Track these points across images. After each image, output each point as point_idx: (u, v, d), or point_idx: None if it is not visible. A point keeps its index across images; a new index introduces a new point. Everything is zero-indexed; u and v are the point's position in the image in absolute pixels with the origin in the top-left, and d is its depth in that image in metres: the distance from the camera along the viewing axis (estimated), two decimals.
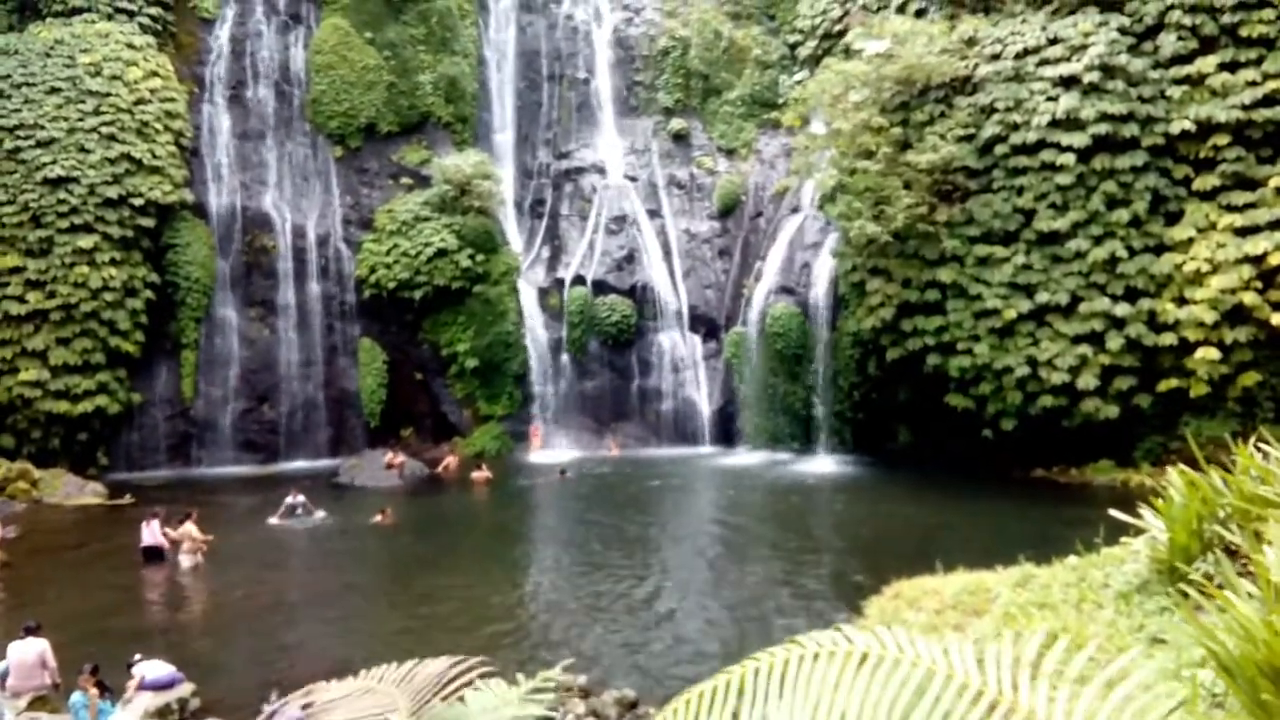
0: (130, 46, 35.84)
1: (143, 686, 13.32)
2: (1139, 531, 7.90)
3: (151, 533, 22.46)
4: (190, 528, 22.58)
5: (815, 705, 2.89)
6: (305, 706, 4.12)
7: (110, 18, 36.40)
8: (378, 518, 26.07)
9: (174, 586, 21.24)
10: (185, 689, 13.70)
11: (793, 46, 42.25)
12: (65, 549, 24.27)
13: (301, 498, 26.83)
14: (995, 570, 9.24)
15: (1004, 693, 2.86)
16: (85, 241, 33.28)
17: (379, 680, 4.18)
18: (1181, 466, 7.53)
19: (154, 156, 34.90)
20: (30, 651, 13.30)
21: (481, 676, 4.12)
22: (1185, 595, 5.45)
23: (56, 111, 34.00)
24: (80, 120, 34.12)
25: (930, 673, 2.95)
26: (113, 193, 33.80)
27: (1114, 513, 8.23)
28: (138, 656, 13.64)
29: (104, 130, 34.23)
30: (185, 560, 22.25)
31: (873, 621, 9.23)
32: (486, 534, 26.68)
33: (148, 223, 34.78)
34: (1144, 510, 7.83)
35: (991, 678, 2.91)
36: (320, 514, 26.78)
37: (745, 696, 3.08)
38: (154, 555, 22.29)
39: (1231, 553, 6.77)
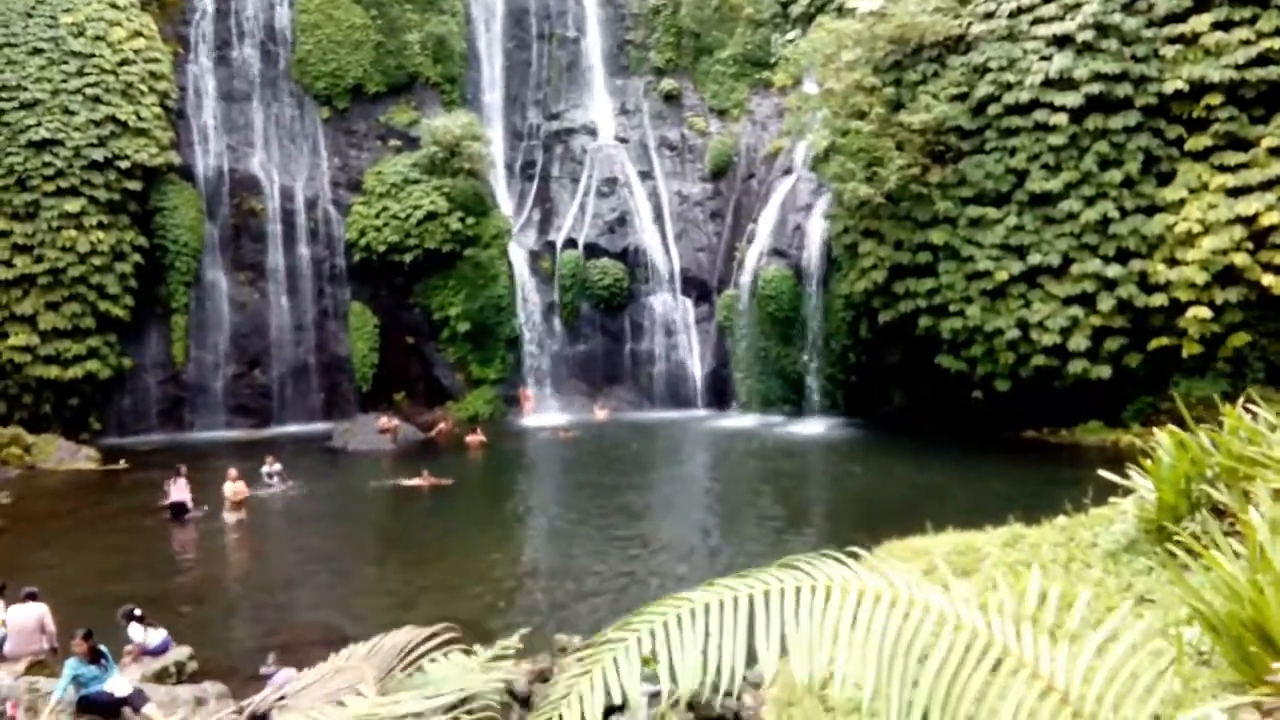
0: (113, 6, 35.26)
1: (140, 653, 13.45)
2: (1127, 491, 7.97)
3: (178, 489, 23.10)
4: (240, 485, 23.70)
5: (834, 638, 2.95)
6: (280, 699, 4.21)
7: None
8: (417, 480, 25.99)
9: (177, 548, 21.35)
10: (182, 652, 13.83)
11: (785, 4, 41.73)
12: (60, 514, 24.32)
13: (278, 465, 26.44)
14: (985, 530, 9.32)
15: (1009, 646, 2.91)
16: (72, 205, 32.98)
17: (348, 658, 4.24)
18: (1170, 427, 7.58)
19: (139, 118, 34.50)
20: (29, 616, 13.38)
21: (445, 644, 4.18)
22: (1172, 555, 5.52)
23: (40, 73, 33.53)
24: (64, 82, 33.67)
25: (941, 619, 3.00)
26: (98, 155, 33.44)
27: (1103, 473, 8.30)
28: (137, 611, 13.72)
29: (88, 92, 33.79)
30: (229, 517, 23.10)
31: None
32: (483, 497, 26.80)
33: (134, 186, 34.45)
34: (1132, 470, 7.90)
35: (997, 630, 2.97)
36: (290, 483, 26.17)
37: (757, 617, 3.09)
38: (180, 511, 22.99)
39: (1219, 512, 6.84)
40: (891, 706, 2.82)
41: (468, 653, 4.18)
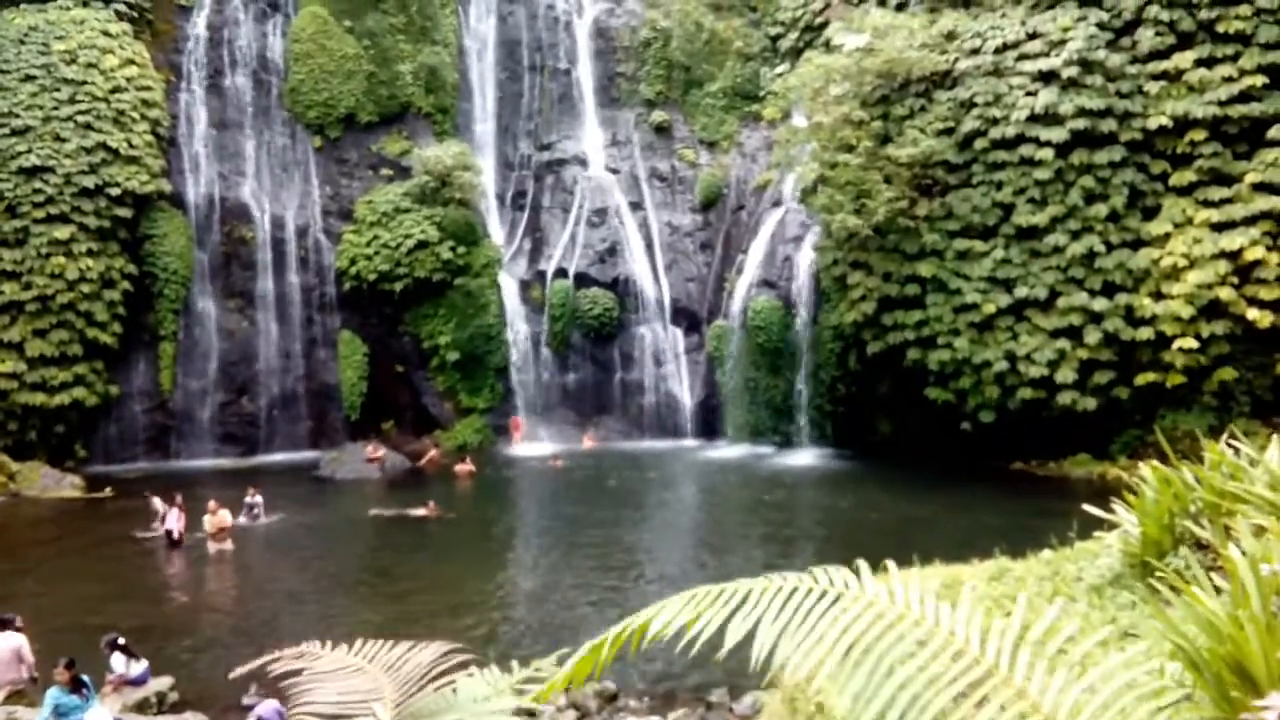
0: (106, 34, 35.44)
1: (121, 683, 13.30)
2: (1113, 526, 8.00)
3: (170, 519, 23.17)
4: (221, 515, 23.53)
5: (818, 639, 2.97)
6: (294, 673, 4.09)
7: (86, 4, 35.95)
8: (422, 510, 25.89)
9: (160, 578, 21.17)
10: (163, 682, 13.68)
11: (774, 39, 42.27)
12: (44, 542, 24.10)
13: (259, 497, 26.02)
14: (971, 563, 9.31)
15: (1000, 666, 2.91)
16: (61, 232, 32.94)
17: (371, 659, 4.15)
18: (1155, 462, 7.63)
19: (131, 146, 34.56)
20: (6, 646, 13.19)
21: (472, 663, 4.14)
22: (1155, 590, 5.54)
23: (31, 100, 33.61)
24: (56, 109, 33.74)
25: (932, 632, 3.00)
26: (89, 182, 33.46)
27: (1088, 507, 8.33)
28: (120, 641, 13.57)
29: (80, 119, 33.87)
30: (212, 547, 22.96)
31: None
32: (471, 527, 26.65)
33: (125, 213, 34.45)
34: (1117, 505, 7.93)
35: (991, 649, 2.97)
36: (272, 517, 25.83)
37: (750, 607, 3.16)
38: (180, 540, 23.12)
39: (1202, 547, 6.87)
40: (848, 696, 2.82)
41: (504, 670, 4.15)
